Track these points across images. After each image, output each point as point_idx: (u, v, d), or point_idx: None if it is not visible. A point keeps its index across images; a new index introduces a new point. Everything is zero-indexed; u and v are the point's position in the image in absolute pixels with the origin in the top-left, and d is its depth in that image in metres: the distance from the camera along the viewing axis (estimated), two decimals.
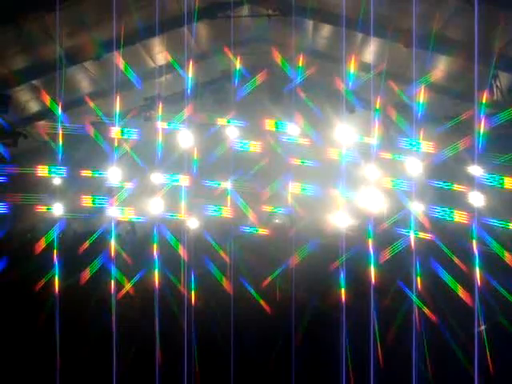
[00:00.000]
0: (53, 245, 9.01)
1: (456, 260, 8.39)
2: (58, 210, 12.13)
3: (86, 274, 8.68)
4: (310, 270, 8.68)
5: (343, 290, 7.50)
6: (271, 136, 12.77)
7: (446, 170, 11.24)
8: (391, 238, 9.63)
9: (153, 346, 6.82)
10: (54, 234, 9.47)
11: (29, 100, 12.27)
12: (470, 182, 10.30)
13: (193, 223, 12.35)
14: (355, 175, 12.07)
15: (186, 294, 8.05)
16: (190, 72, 11.51)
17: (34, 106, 12.60)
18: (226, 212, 12.08)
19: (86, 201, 12.06)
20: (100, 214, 12.14)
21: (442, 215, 10.55)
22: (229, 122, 13.21)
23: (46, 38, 10.10)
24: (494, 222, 9.70)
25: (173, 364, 6.61)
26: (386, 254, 8.93)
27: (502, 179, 10.03)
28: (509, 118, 9.84)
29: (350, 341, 6.46)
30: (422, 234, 9.92)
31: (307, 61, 12.01)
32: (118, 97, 11.20)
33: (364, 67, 11.60)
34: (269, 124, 12.43)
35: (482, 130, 9.24)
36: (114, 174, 12.36)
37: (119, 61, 10.86)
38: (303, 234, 10.77)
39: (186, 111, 12.21)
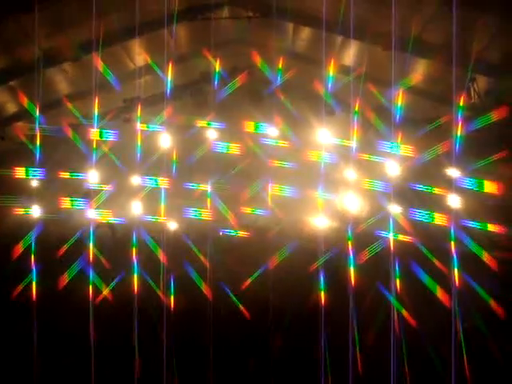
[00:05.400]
0: (31, 248, 8.89)
1: (436, 262, 8.44)
2: (36, 212, 11.96)
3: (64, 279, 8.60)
4: (289, 271, 8.68)
5: (322, 293, 7.50)
6: (250, 138, 12.74)
7: (424, 173, 11.30)
8: (370, 240, 9.65)
9: (131, 350, 6.78)
10: (32, 237, 9.34)
11: (6, 101, 12.14)
12: (449, 184, 10.38)
13: (172, 226, 12.27)
14: (334, 177, 12.09)
15: (164, 297, 8.01)
16: (170, 74, 11.46)
17: (11, 108, 12.46)
18: (206, 214, 12.03)
19: (65, 203, 11.94)
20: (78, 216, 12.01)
21: (421, 218, 10.60)
22: (208, 124, 13.17)
23: (24, 38, 10.01)
24: (473, 224, 9.79)
25: (152, 365, 6.59)
26: (365, 256, 8.94)
27: (481, 182, 10.13)
28: (486, 122, 9.92)
29: (329, 343, 6.47)
30: (401, 237, 9.96)
31: (287, 63, 12.03)
32: (96, 98, 11.08)
33: (343, 70, 11.63)
34: (248, 126, 12.42)
35: (459, 133, 9.31)
36: (92, 176, 12.25)
37: (98, 62, 10.77)
38: (282, 235, 10.77)
39: (166, 113, 12.17)
